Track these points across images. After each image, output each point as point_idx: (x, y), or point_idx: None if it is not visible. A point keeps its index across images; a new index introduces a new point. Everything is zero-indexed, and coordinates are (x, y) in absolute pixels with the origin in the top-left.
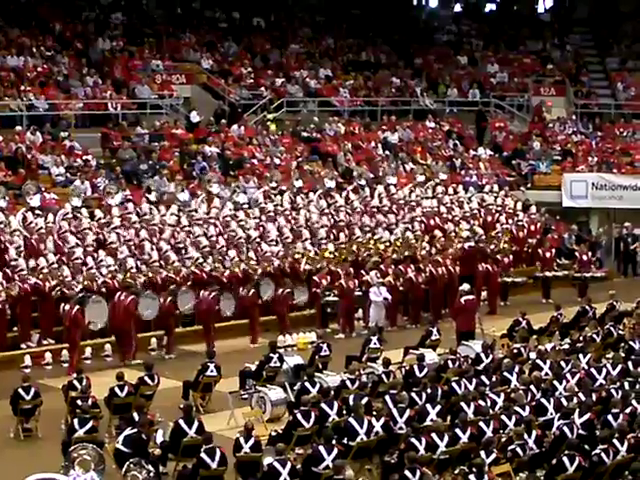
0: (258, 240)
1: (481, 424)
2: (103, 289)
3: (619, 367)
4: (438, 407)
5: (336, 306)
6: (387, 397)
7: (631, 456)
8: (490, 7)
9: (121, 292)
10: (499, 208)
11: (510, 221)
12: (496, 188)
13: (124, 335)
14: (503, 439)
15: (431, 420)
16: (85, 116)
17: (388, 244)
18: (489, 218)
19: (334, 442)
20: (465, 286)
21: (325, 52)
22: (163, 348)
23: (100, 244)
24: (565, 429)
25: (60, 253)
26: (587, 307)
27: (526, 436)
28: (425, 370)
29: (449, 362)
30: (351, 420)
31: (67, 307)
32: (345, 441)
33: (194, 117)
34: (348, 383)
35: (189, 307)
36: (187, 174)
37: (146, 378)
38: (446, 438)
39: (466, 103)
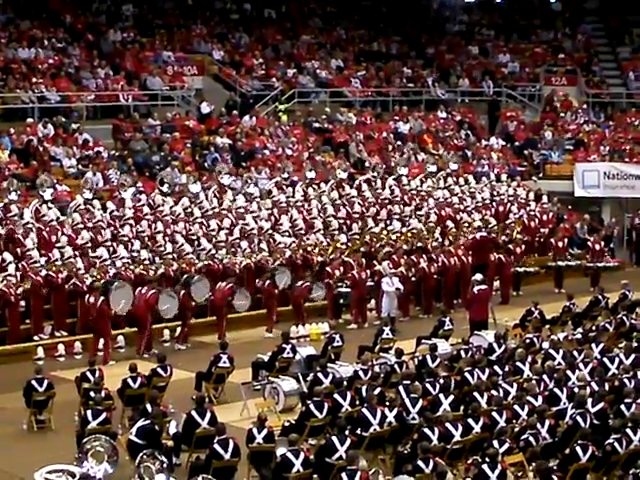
0: (270, 231)
1: (494, 414)
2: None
3: (632, 356)
4: (451, 397)
5: (348, 297)
6: (400, 387)
7: None
8: None
9: (142, 286)
10: (511, 198)
11: (522, 211)
12: (504, 177)
13: (140, 327)
14: (516, 429)
15: (444, 410)
16: (96, 108)
17: (400, 234)
18: (501, 208)
19: (347, 433)
20: (478, 276)
21: (336, 43)
22: (175, 339)
23: (113, 236)
24: (578, 419)
25: (73, 245)
26: (600, 297)
27: (539, 426)
28: (438, 360)
29: (462, 352)
30: (364, 410)
31: (92, 299)
32: (358, 431)
33: (204, 108)
34: (361, 373)
35: (205, 297)
36: (199, 165)
37: (159, 369)
38: (460, 428)
39: (478, 93)
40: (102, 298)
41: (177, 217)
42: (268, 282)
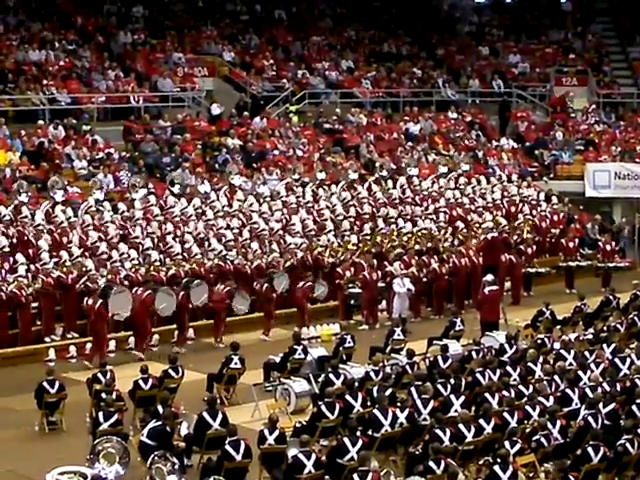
0: (281, 232)
1: (505, 415)
2: (126, 282)
3: None
4: (462, 398)
5: (359, 298)
6: (412, 388)
7: None
8: None
9: (138, 287)
10: (523, 198)
11: (533, 212)
12: (515, 178)
13: (139, 328)
14: (527, 429)
15: (455, 411)
16: (107, 109)
17: (411, 235)
18: (512, 209)
19: (359, 434)
20: (489, 277)
21: (347, 43)
22: (174, 342)
23: (123, 237)
24: (590, 419)
25: (84, 247)
26: (611, 297)
27: (550, 426)
28: (449, 361)
29: (473, 353)
30: (375, 411)
31: (90, 301)
32: (370, 432)
33: (215, 110)
34: (372, 374)
35: (203, 300)
36: (210, 167)
37: (170, 371)
38: (473, 429)
39: (488, 94)
40: (100, 301)
41: (188, 218)
42: (266, 285)
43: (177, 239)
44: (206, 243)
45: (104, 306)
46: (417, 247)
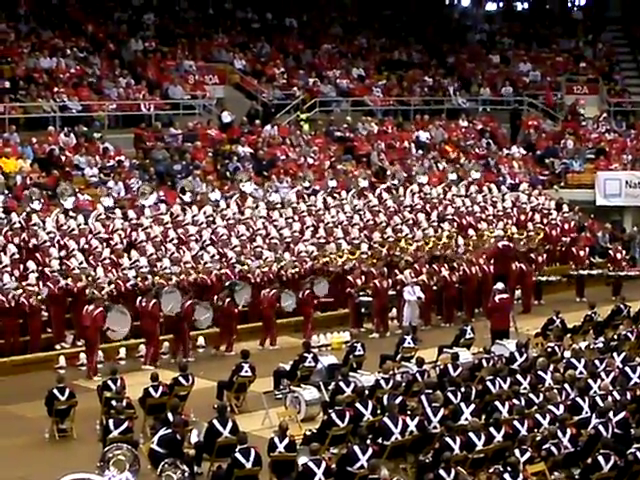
0: (289, 240)
1: (515, 423)
2: (136, 289)
3: None
4: (472, 406)
5: (370, 306)
6: (422, 396)
7: None
8: (522, 5)
9: (142, 296)
10: (533, 207)
11: (544, 220)
12: (526, 186)
13: (148, 338)
14: (537, 438)
15: (465, 419)
16: (118, 117)
17: (421, 243)
18: (522, 217)
19: (369, 442)
20: (499, 285)
21: (358, 52)
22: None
23: (132, 245)
24: (600, 428)
25: (92, 254)
26: (621, 306)
27: (560, 435)
28: (459, 369)
29: (483, 361)
30: (386, 419)
31: (91, 307)
32: (380, 441)
33: (226, 117)
34: (382, 382)
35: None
36: (220, 174)
37: (180, 378)
38: (483, 437)
39: (499, 102)
40: (100, 309)
41: (199, 226)
42: (271, 294)
43: (185, 246)
44: (214, 250)
45: (102, 315)
46: (427, 255)
